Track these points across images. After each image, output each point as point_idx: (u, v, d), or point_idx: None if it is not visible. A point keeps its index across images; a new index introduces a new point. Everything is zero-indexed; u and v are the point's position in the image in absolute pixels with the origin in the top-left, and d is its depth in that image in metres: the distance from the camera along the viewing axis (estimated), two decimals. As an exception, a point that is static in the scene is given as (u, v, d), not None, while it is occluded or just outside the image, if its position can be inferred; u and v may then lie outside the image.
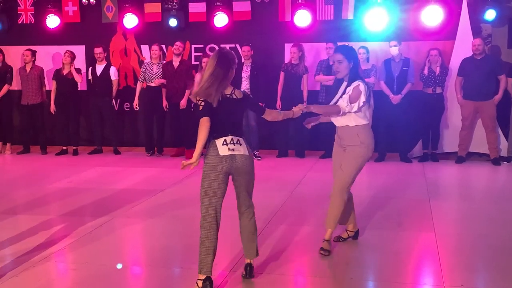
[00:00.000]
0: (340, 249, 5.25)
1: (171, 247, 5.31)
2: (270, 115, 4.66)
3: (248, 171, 4.40)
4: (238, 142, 4.33)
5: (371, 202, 7.04)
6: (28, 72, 10.39)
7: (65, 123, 10.41)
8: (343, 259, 4.99)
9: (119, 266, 4.84)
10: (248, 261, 4.60)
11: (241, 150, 4.35)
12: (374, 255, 5.18)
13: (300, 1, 10.05)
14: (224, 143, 4.27)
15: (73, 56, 10.28)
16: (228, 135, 4.30)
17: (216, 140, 4.28)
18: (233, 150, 4.29)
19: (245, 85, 9.78)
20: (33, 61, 10.43)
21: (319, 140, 9.96)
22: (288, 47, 10.01)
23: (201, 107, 4.26)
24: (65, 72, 10.24)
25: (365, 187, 8.21)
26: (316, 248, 5.16)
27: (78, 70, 10.36)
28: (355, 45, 9.66)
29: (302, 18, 10.07)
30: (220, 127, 4.30)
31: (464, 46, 9.46)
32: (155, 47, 10.01)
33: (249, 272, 4.57)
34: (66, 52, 10.28)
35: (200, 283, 4.26)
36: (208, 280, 4.26)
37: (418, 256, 5.18)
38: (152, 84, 10.01)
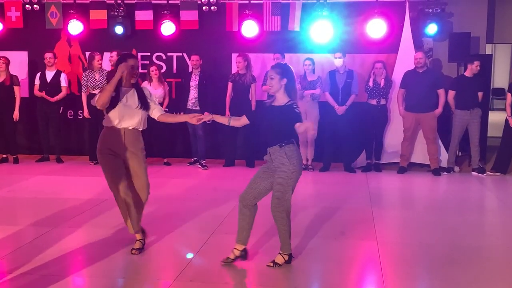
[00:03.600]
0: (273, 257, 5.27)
1: (113, 257, 5.23)
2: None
3: None
4: None
5: (315, 211, 7.11)
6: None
7: (3, 131, 10.11)
8: (287, 267, 5.01)
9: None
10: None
11: None
12: (318, 264, 5.24)
13: (247, 12, 10.11)
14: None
15: (7, 62, 10.01)
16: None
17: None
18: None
19: (193, 94, 9.76)
20: None
21: (266, 150, 9.98)
22: (235, 57, 10.05)
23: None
24: (0, 79, 9.96)
25: (309, 196, 8.31)
26: (265, 258, 5.18)
27: (15, 77, 10.07)
28: (302, 56, 9.97)
29: (249, 29, 10.13)
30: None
31: (406, 59, 9.70)
32: (98, 57, 9.88)
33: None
34: (0, 58, 9.99)
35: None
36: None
37: (361, 264, 5.26)
38: (96, 91, 9.84)
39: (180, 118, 5.59)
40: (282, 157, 4.91)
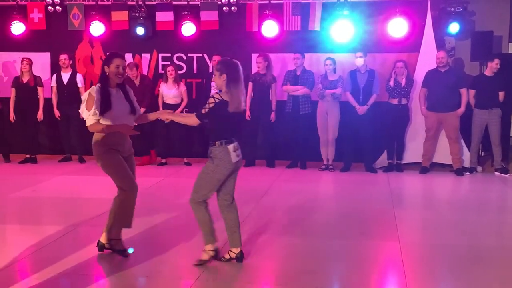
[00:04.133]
0: (305, 258, 5.26)
1: (135, 256, 5.25)
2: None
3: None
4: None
5: (335, 212, 7.10)
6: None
7: (26, 131, 10.23)
8: (308, 268, 5.00)
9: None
10: (239, 249, 5.07)
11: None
12: (339, 265, 5.21)
13: (267, 12, 10.10)
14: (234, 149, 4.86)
15: (31, 63, 10.13)
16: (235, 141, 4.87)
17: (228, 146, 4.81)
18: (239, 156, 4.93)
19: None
20: None
21: (287, 150, 10.02)
22: (255, 57, 10.05)
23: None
24: (24, 80, 10.09)
25: (330, 196, 8.30)
26: (283, 257, 5.17)
27: (38, 78, 10.21)
28: (322, 56, 9.93)
29: (270, 29, 10.12)
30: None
31: (428, 58, 9.63)
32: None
33: (241, 258, 5.05)
34: (24, 60, 10.11)
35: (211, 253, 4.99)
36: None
37: (383, 265, 5.23)
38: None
39: (150, 116, 5.32)
40: (209, 155, 4.95)
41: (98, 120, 4.96)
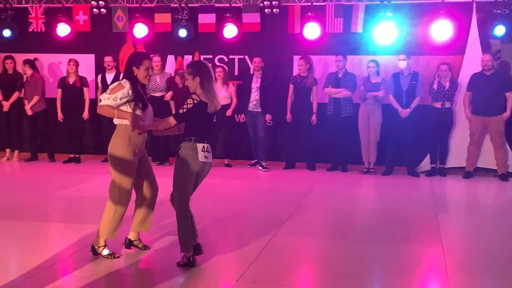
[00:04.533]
0: (346, 262, 5.21)
1: (174, 257, 5.28)
2: None
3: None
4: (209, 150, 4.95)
5: (377, 216, 7.03)
6: (29, 80, 10.42)
7: (71, 131, 10.43)
8: (349, 272, 4.95)
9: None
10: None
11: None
12: (381, 269, 5.15)
13: (309, 14, 10.07)
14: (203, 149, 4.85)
15: (77, 65, 10.33)
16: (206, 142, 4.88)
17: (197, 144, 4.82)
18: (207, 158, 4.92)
19: (254, 96, 9.79)
20: (33, 69, 10.46)
21: (327, 152, 9.95)
22: (297, 59, 10.03)
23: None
24: (71, 80, 10.29)
25: (371, 200, 8.22)
26: (324, 260, 5.13)
27: (84, 79, 10.40)
28: (364, 58, 9.85)
29: (312, 31, 10.09)
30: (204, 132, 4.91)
31: (473, 61, 9.45)
32: (156, 58, 10.03)
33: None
34: (70, 61, 10.32)
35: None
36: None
37: (426, 271, 5.14)
38: (156, 94, 10.00)
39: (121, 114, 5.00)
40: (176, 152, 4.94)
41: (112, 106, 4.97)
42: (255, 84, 9.81)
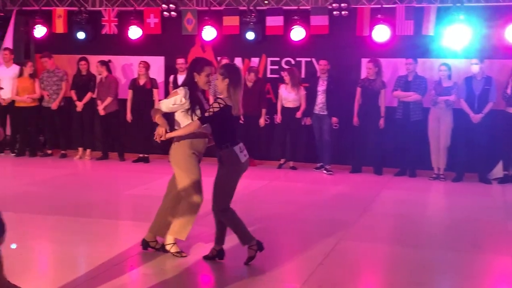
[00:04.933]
0: (414, 270, 5.09)
1: (238, 257, 5.30)
2: None
3: None
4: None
5: (446, 223, 6.85)
6: (103, 81, 10.71)
7: (141, 131, 10.66)
8: (417, 280, 4.83)
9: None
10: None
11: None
12: (450, 278, 5.01)
13: (379, 16, 9.92)
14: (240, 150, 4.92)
15: (147, 66, 10.55)
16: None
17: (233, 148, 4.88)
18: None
19: (321, 99, 9.74)
20: (107, 71, 10.75)
21: (395, 157, 9.78)
22: (365, 62, 9.90)
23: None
24: (141, 82, 10.52)
25: (441, 207, 8.03)
26: (390, 268, 5.04)
27: (154, 80, 10.62)
28: (435, 61, 9.63)
29: (381, 33, 9.93)
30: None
31: (549, 64, 9.09)
32: (225, 61, 10.11)
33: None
34: (140, 63, 10.55)
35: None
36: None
37: (496, 280, 4.97)
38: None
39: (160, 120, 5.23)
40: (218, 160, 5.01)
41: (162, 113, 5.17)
42: (321, 87, 9.76)
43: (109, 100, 10.62)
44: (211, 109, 4.90)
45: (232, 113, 4.94)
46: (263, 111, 10.19)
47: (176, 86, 10.30)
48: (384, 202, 7.80)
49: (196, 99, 5.15)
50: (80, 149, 11.08)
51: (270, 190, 8.49)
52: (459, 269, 5.15)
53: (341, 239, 5.89)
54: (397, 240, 6.06)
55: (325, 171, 9.85)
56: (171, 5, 10.87)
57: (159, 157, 11.01)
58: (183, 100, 5.10)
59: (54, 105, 10.88)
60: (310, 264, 5.12)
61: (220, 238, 5.15)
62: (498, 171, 9.38)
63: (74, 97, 10.90)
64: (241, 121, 9.48)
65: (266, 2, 10.82)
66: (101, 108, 10.66)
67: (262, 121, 10.21)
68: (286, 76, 9.92)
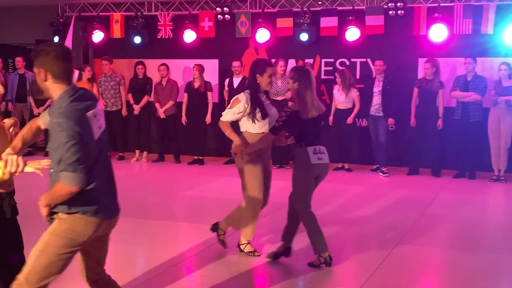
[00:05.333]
0: (475, 274, 4.95)
1: (293, 261, 5.27)
2: None
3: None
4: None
5: (508, 227, 6.64)
6: (164, 85, 10.86)
7: (195, 134, 10.76)
8: (478, 285, 4.70)
9: None
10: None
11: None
12: (509, 283, 4.86)
13: (436, 15, 9.71)
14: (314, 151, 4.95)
15: (201, 70, 10.64)
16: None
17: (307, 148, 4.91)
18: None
19: (376, 100, 9.61)
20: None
21: (454, 158, 9.55)
22: (421, 62, 9.72)
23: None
24: (196, 85, 10.62)
25: (501, 209, 7.83)
26: (449, 272, 4.92)
27: (208, 83, 10.69)
28: (495, 60, 9.37)
29: (438, 33, 9.72)
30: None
31: None
32: (281, 62, 10.11)
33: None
34: (195, 66, 10.64)
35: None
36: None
37: None
38: (278, 98, 10.03)
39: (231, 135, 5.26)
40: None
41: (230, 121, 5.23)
42: (377, 87, 9.62)
43: (170, 103, 10.76)
44: (279, 119, 5.03)
45: (302, 116, 4.96)
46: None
47: (232, 88, 10.37)
48: (442, 205, 7.62)
49: (257, 102, 5.18)
50: (137, 151, 11.27)
51: (326, 192, 8.40)
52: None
53: (399, 243, 5.79)
54: (456, 244, 5.91)
55: (381, 173, 9.71)
56: (225, 8, 10.93)
57: (214, 159, 11.12)
58: (246, 105, 5.15)
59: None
60: (368, 267, 5.05)
61: (287, 236, 5.17)
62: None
63: (131, 100, 11.10)
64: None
65: (320, 2, 10.74)
66: (161, 111, 10.79)
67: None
68: (338, 78, 9.83)
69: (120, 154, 11.32)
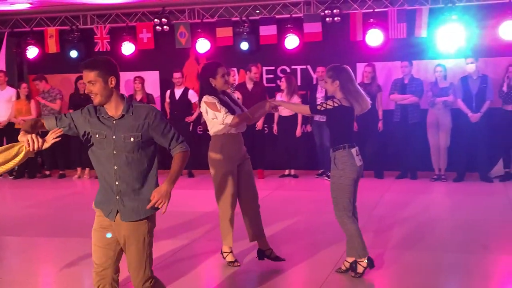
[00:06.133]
0: (423, 273, 5.07)
1: (251, 271, 5.27)
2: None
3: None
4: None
5: (451, 224, 6.85)
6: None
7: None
8: (428, 284, 4.81)
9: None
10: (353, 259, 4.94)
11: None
12: (462, 281, 4.99)
13: (372, 20, 9.94)
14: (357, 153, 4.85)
15: (143, 82, 10.54)
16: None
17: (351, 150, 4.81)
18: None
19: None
20: None
21: (396, 160, 9.77)
22: (360, 66, 9.92)
23: None
24: (138, 97, 10.50)
25: (444, 207, 8.01)
26: (399, 272, 5.02)
27: (150, 96, 10.59)
28: (429, 62, 9.65)
29: (374, 37, 9.95)
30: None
31: (543, 60, 9.12)
32: (232, 73, 10.18)
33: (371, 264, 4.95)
34: (136, 78, 10.53)
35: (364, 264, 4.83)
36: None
37: (509, 281, 4.95)
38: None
39: (266, 107, 5.13)
40: (332, 162, 4.91)
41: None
42: (320, 93, 9.75)
43: None
44: (324, 105, 4.87)
45: (356, 113, 4.92)
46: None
47: (173, 100, 10.31)
48: (387, 206, 7.77)
49: (223, 101, 5.12)
50: (79, 168, 11.01)
51: (274, 199, 8.45)
52: (472, 271, 5.13)
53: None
54: (404, 244, 6.03)
55: (327, 178, 9.83)
56: (163, 19, 10.85)
57: (161, 172, 10.97)
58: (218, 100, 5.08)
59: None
60: (321, 272, 5.09)
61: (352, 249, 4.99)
62: (499, 169, 9.40)
63: (71, 117, 10.83)
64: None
65: (257, 11, 10.81)
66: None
67: (260, 125, 10.10)
68: (283, 83, 9.90)
69: (61, 172, 11.04)
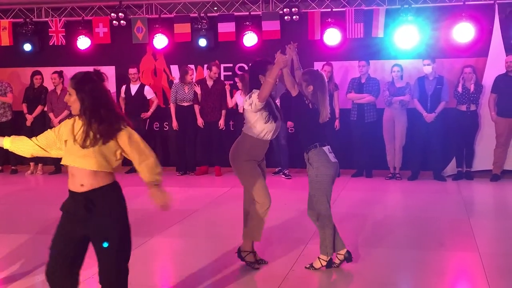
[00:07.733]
0: (380, 270, 5.14)
1: (203, 268, 5.24)
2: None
3: None
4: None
5: (407, 222, 6.96)
6: (59, 94, 10.44)
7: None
8: (385, 281, 4.88)
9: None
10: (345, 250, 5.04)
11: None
12: (418, 277, 5.07)
13: (329, 20, 10.02)
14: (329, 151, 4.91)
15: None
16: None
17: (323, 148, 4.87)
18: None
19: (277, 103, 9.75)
20: (62, 83, 10.49)
21: (352, 158, 9.88)
22: (317, 65, 9.96)
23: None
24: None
25: (399, 205, 8.14)
26: (359, 269, 5.07)
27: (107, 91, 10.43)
28: (386, 62, 9.79)
29: (332, 37, 10.04)
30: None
31: (497, 63, 9.35)
32: (191, 71, 10.16)
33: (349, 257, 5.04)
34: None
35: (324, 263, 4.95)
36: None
37: (466, 276, 5.06)
38: (184, 104, 10.04)
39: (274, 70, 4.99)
40: (307, 163, 4.99)
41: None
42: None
43: (66, 113, 10.27)
44: (307, 96, 4.88)
45: (319, 120, 4.92)
46: (223, 112, 10.11)
47: (129, 95, 10.19)
48: (344, 204, 7.82)
49: (268, 103, 5.06)
50: (32, 164, 10.75)
51: (232, 196, 8.42)
52: (429, 267, 5.21)
53: (308, 243, 5.90)
54: (361, 241, 6.09)
55: (283, 176, 9.87)
56: (120, 14, 10.69)
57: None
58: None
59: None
60: (280, 270, 5.11)
61: (337, 243, 5.05)
62: (452, 168, 9.59)
63: (25, 110, 10.60)
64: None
65: (215, 8, 10.77)
66: (56, 121, 10.31)
67: (222, 123, 10.12)
68: (238, 82, 9.90)
69: (13, 167, 10.77)
